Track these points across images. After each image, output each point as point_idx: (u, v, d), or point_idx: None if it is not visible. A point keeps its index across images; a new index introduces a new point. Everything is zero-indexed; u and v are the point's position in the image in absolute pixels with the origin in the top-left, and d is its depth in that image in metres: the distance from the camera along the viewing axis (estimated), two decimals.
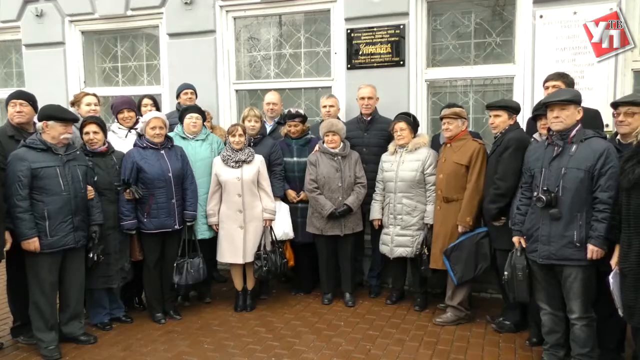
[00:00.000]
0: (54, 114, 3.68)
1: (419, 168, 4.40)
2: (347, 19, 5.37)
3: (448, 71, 5.27)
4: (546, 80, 4.02)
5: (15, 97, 3.97)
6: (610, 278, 2.98)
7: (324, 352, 3.78)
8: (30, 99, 3.99)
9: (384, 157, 4.64)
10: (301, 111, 4.87)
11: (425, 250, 4.35)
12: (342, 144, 4.66)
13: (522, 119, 4.35)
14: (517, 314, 4.08)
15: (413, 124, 4.54)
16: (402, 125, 4.47)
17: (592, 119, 3.64)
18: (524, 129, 4.15)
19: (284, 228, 4.71)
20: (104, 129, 4.15)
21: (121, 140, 4.52)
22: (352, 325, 4.26)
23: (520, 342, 3.88)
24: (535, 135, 3.80)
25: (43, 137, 3.66)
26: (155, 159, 4.21)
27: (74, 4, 6.38)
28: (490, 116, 4.00)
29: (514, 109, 3.99)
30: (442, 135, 4.51)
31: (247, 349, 3.86)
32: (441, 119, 4.28)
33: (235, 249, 4.49)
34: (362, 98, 4.87)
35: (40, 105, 3.91)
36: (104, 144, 4.12)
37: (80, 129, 4.09)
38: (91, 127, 4.04)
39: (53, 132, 3.65)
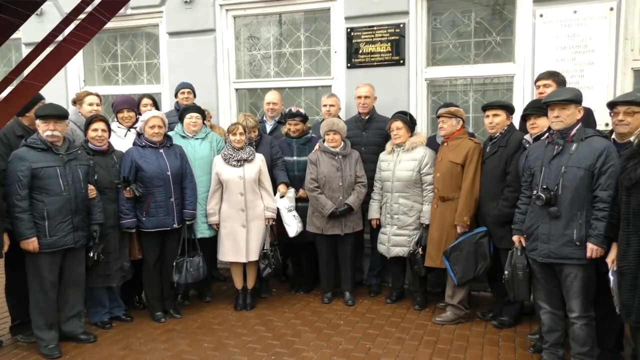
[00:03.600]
0: (36, 112, 3.71)
1: (415, 168, 4.40)
2: (347, 18, 5.36)
3: (448, 70, 5.26)
4: (537, 79, 4.01)
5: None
6: (611, 275, 2.98)
7: (324, 351, 3.78)
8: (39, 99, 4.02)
9: (382, 156, 4.64)
10: (302, 110, 4.87)
11: (420, 250, 4.36)
12: (342, 143, 4.66)
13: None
14: (517, 308, 4.11)
15: (410, 122, 4.54)
16: (398, 124, 4.47)
17: (585, 117, 3.62)
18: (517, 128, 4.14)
19: (297, 223, 4.66)
20: (110, 129, 4.18)
21: (120, 139, 4.52)
22: (352, 324, 4.26)
23: (520, 341, 3.88)
24: (527, 137, 3.79)
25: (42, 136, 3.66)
26: (154, 158, 4.21)
27: (74, 2, 6.33)
28: (487, 116, 4.00)
29: (511, 109, 4.00)
30: (437, 135, 4.53)
31: (247, 347, 3.86)
32: (437, 117, 4.30)
33: (238, 248, 4.49)
34: (360, 97, 4.87)
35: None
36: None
37: (87, 126, 4.09)
38: (100, 125, 4.05)
39: (40, 130, 3.66)
